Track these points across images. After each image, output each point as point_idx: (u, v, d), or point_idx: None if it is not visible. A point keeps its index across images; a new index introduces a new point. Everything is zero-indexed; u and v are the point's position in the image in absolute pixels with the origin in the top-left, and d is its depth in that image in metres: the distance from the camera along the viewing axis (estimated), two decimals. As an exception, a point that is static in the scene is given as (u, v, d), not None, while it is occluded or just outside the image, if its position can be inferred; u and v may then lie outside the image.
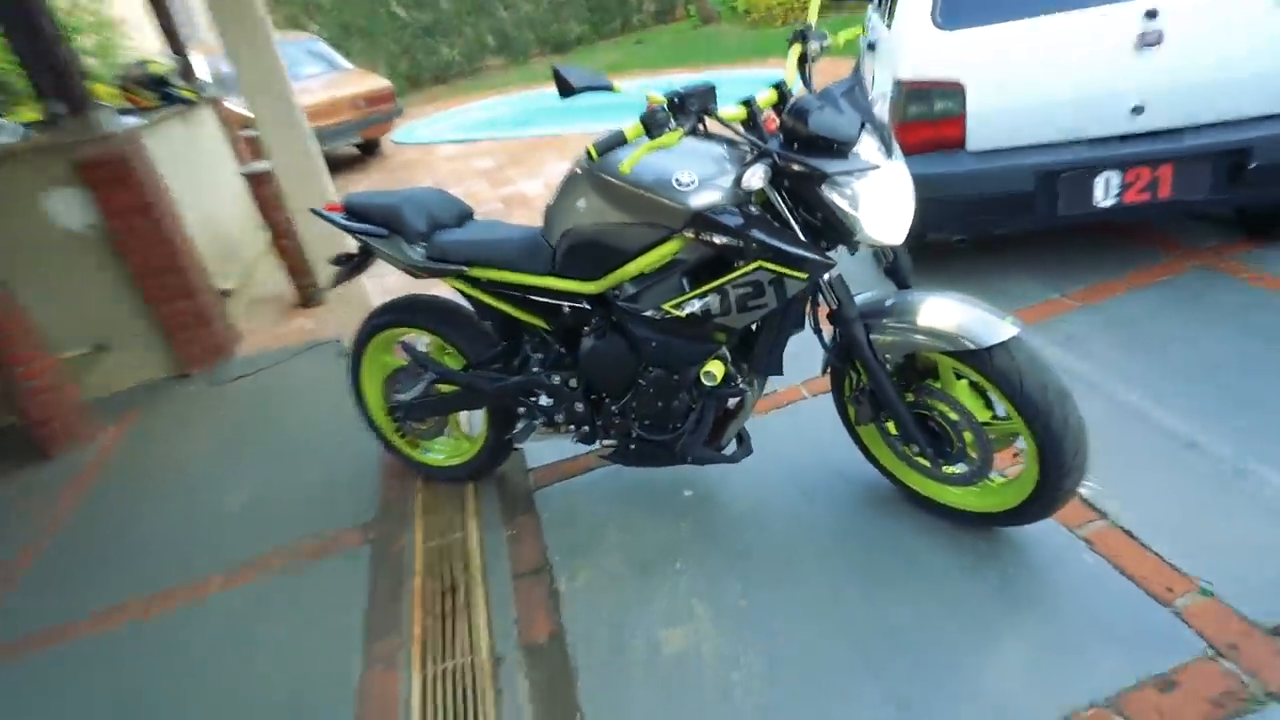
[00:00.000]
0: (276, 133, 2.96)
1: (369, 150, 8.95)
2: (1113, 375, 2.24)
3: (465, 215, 2.08)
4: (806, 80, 1.64)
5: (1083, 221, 2.60)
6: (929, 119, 2.50)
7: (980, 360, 1.47)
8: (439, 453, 2.38)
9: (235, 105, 6.38)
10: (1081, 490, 1.83)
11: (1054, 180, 2.47)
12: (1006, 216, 2.59)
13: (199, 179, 4.34)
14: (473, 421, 2.60)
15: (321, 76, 8.49)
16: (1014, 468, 1.83)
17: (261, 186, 3.97)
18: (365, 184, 7.85)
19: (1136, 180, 2.44)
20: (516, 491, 2.28)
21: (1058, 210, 2.51)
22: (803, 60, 1.64)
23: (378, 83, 8.28)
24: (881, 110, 2.90)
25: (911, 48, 2.51)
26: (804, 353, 1.88)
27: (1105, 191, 2.46)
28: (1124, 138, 2.43)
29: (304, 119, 3.01)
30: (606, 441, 1.97)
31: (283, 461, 2.70)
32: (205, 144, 4.72)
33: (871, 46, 3.15)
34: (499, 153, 7.78)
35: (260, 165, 4.02)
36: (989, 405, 1.64)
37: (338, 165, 8.84)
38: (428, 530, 2.18)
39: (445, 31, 14.92)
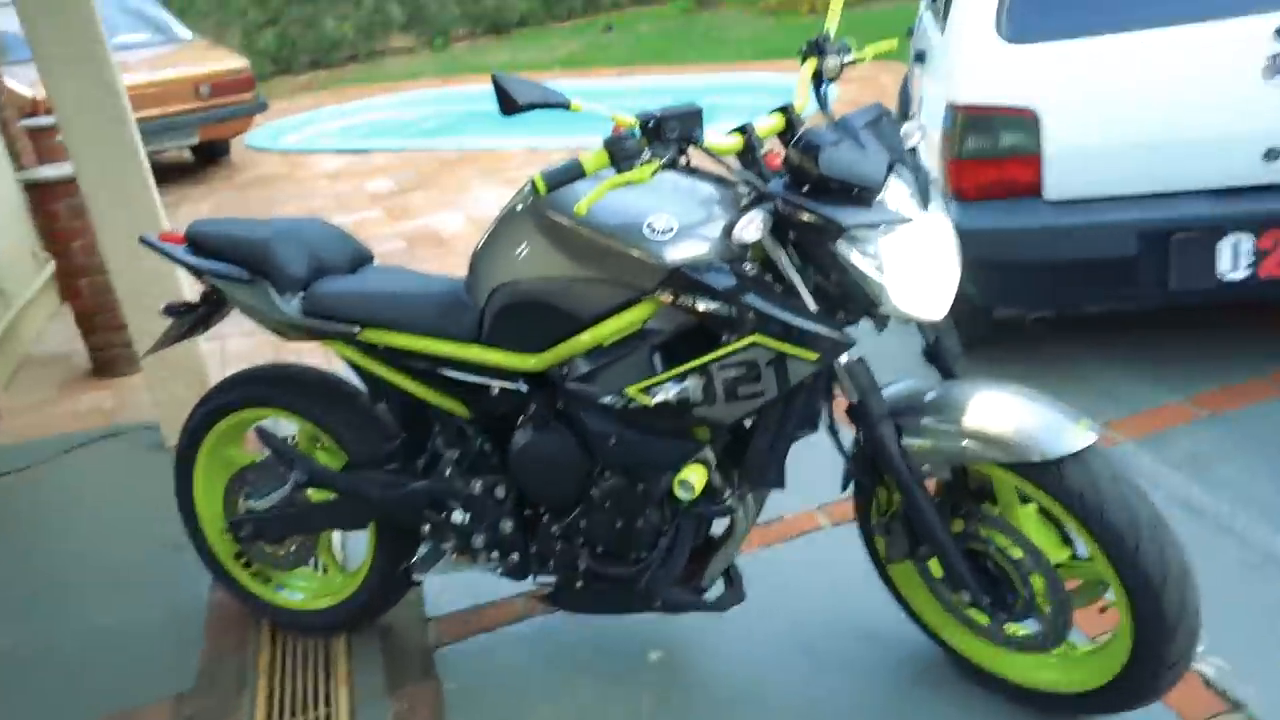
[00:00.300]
0: (86, 124, 3.19)
1: (211, 155, 9.33)
2: (1251, 511, 2.48)
3: (361, 258, 2.31)
4: (823, 104, 1.93)
5: (1205, 300, 2.93)
6: (993, 156, 2.85)
7: (1048, 476, 1.68)
8: (299, 589, 2.50)
9: (16, 81, 6.70)
10: (1203, 668, 2.02)
11: (1164, 243, 2.80)
12: (1100, 289, 2.91)
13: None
14: (348, 549, 2.74)
15: (147, 49, 8.96)
16: (1105, 634, 2.02)
17: (52, 201, 4.20)
18: (205, 207, 8.14)
19: (1276, 247, 2.78)
20: (408, 648, 2.39)
21: (1169, 283, 2.84)
22: (818, 79, 1.94)
23: (230, 62, 8.76)
24: (926, 145, 3.26)
25: (970, 64, 2.89)
26: (825, 463, 2.08)
27: (1234, 260, 2.80)
28: (1258, 189, 2.78)
29: (128, 107, 3.27)
30: (543, 578, 2.13)
31: (51, 603, 2.79)
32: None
33: (920, 57, 3.57)
34: (402, 170, 8.20)
35: (53, 170, 4.25)
36: (1067, 541, 1.86)
37: (163, 176, 9.12)
38: (274, 703, 2.27)
39: (332, -3, 15.71)
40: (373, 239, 6.18)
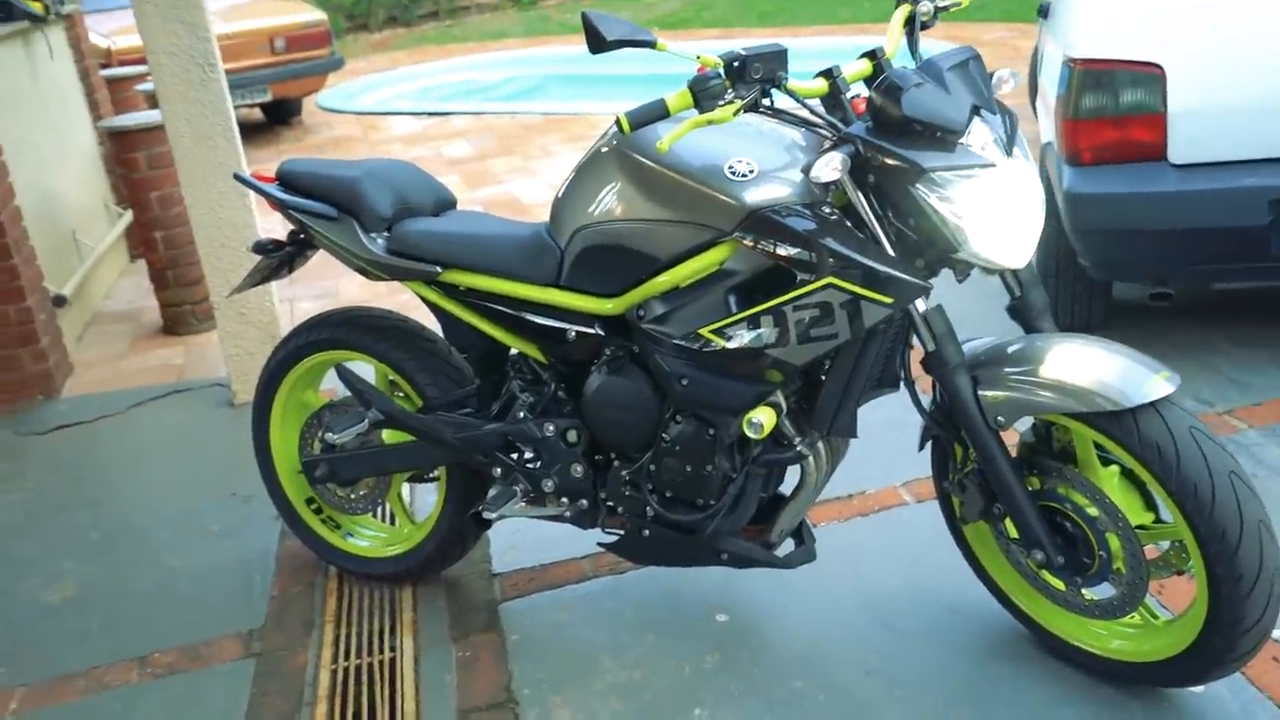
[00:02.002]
0: (175, 68, 3.59)
1: (283, 116, 9.90)
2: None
3: (445, 203, 2.60)
4: (914, 50, 2.14)
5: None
6: (1113, 115, 3.00)
7: (1123, 427, 1.86)
8: (367, 538, 2.82)
9: (93, 33, 7.27)
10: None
11: (1299, 212, 2.92)
12: (1228, 262, 3.03)
13: (35, 131, 5.03)
14: (416, 504, 3.05)
15: None
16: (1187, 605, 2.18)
17: (132, 150, 4.64)
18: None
19: None
20: (474, 601, 2.68)
21: (1305, 257, 2.95)
22: (910, 24, 2.15)
23: (306, 14, 9.30)
24: (1044, 106, 3.42)
25: (1089, 15, 3.05)
26: (909, 440, 2.28)
27: (1374, 234, 2.90)
28: None
29: (216, 53, 3.65)
30: (610, 529, 2.39)
31: (123, 546, 3.16)
32: (50, 82, 5.48)
33: (1044, 12, 3.72)
34: (482, 134, 8.60)
35: (135, 118, 4.70)
36: (1151, 506, 2.03)
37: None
38: (341, 645, 2.58)
39: (415, -53, 16.30)
40: (449, 204, 6.55)
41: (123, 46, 7.86)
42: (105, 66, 6.82)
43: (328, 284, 5.27)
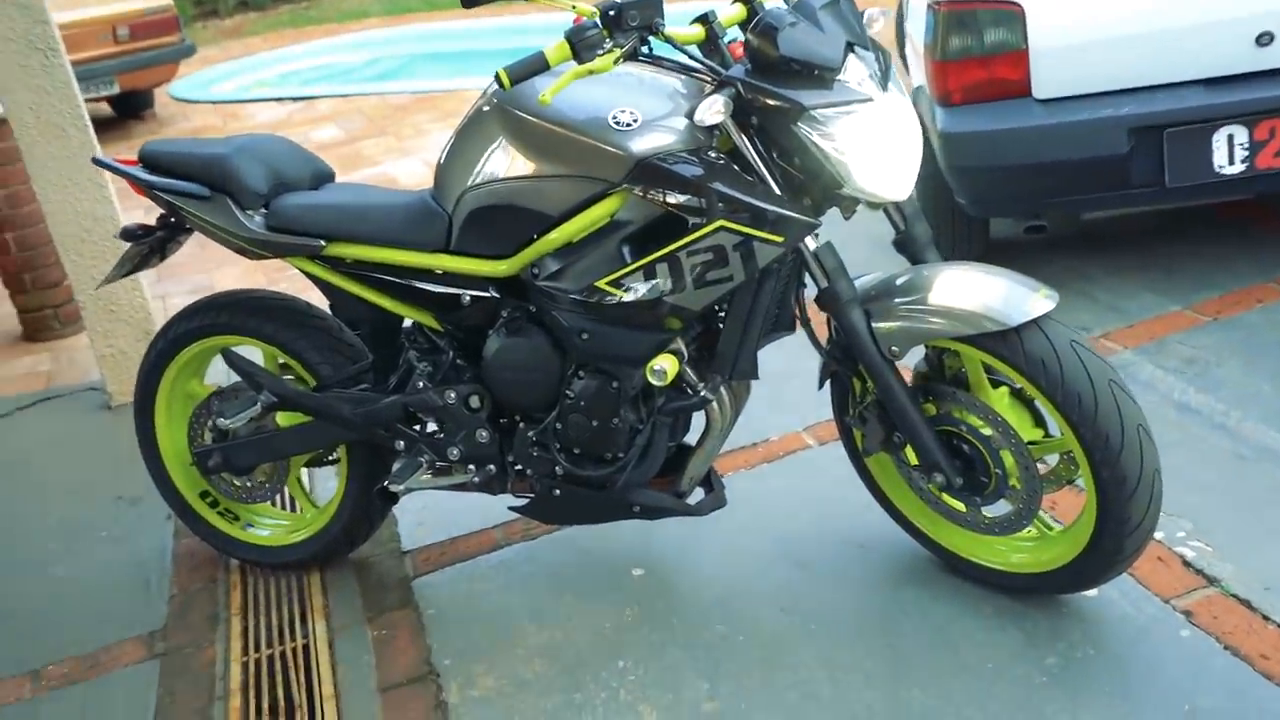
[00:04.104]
0: (12, 54, 3.43)
1: (133, 109, 9.54)
2: (1247, 410, 2.79)
3: (323, 175, 2.57)
4: (787, -8, 2.20)
5: (1204, 199, 3.23)
6: (978, 55, 3.13)
7: (1009, 346, 1.96)
8: (268, 527, 2.78)
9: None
10: (1183, 550, 2.32)
11: (1156, 139, 3.08)
12: (1094, 191, 3.20)
13: None
14: (317, 491, 3.02)
15: (57, -12, 9.15)
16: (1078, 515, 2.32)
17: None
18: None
19: (1272, 137, 3.07)
20: (386, 580, 2.68)
21: (1165, 181, 3.12)
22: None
23: (150, 0, 8.95)
24: (912, 52, 3.54)
25: (949, -42, 3.17)
26: (809, 386, 2.34)
27: (1229, 154, 3.09)
28: (1250, 77, 3.06)
29: (58, 36, 3.51)
30: (521, 493, 2.41)
31: (9, 555, 3.06)
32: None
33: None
34: (351, 117, 8.44)
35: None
36: (1039, 422, 2.15)
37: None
38: (250, 637, 2.55)
39: (265, -75, 15.83)
40: (321, 189, 6.42)
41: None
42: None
43: (200, 279, 5.14)
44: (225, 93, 10.35)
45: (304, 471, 2.82)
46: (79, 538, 3.09)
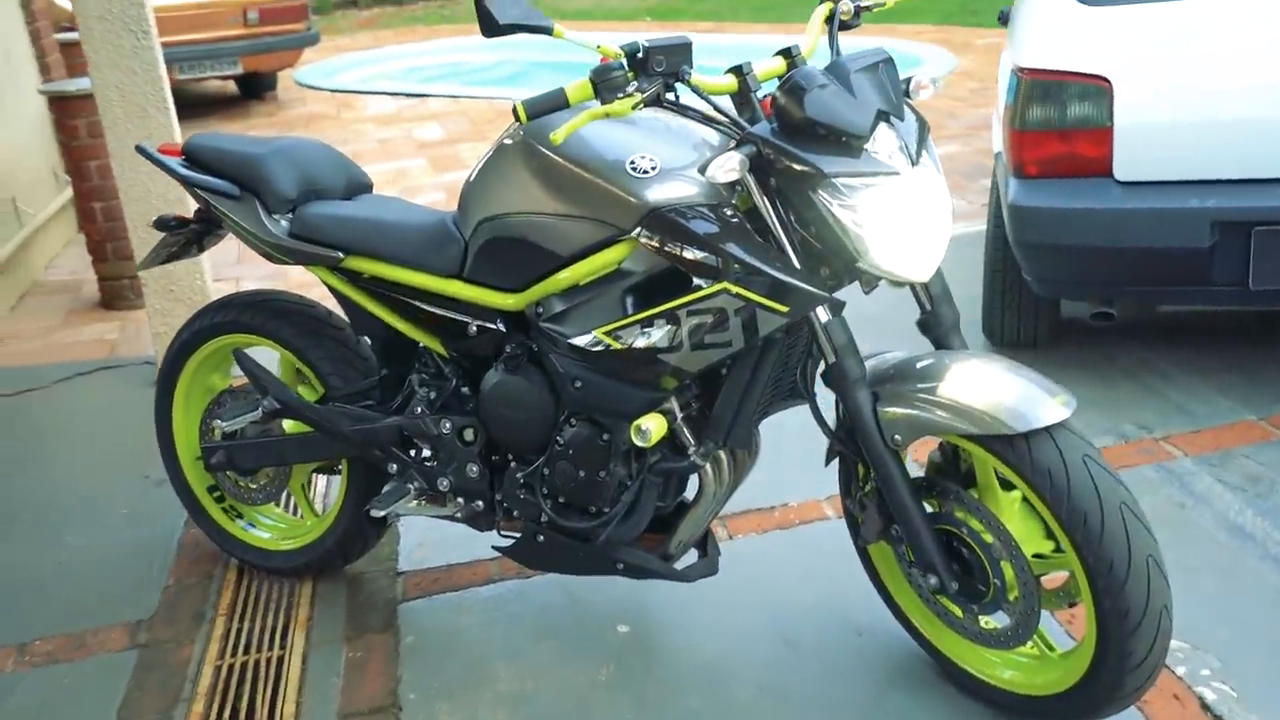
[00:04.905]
0: (106, 33, 3.52)
1: (256, 90, 9.83)
2: (1303, 539, 2.57)
3: (358, 186, 2.55)
4: (834, 50, 2.10)
5: (1291, 306, 3.01)
6: (1059, 128, 2.96)
7: (1016, 452, 1.82)
8: (266, 528, 2.77)
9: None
10: (1204, 691, 2.14)
11: (1243, 236, 2.89)
12: (1170, 284, 3.00)
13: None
14: (330, 497, 3.00)
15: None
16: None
17: (72, 117, 4.57)
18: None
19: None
20: (374, 600, 2.64)
21: (1249, 282, 2.92)
22: (831, 23, 2.11)
23: (283, -14, 9.22)
24: (996, 117, 3.38)
25: (1039, 25, 3.01)
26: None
27: (1323, 262, 2.87)
28: None
29: (151, 19, 3.59)
30: (507, 531, 2.34)
31: (27, 523, 3.12)
32: None
33: (1003, 19, 3.69)
34: (456, 118, 8.54)
35: (75, 84, 4.63)
36: (1052, 534, 2.00)
37: (201, 107, 9.73)
38: (228, 640, 2.53)
39: (408, -81, 16.20)
40: (413, 189, 6.52)
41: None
42: (69, 29, 6.73)
43: (275, 266, 5.20)
44: (346, 82, 10.59)
45: (320, 477, 2.80)
46: (100, 511, 3.14)
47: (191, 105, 9.55)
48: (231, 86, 10.04)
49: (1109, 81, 2.91)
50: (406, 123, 8.48)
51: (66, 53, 5.97)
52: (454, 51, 12.28)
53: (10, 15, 5.65)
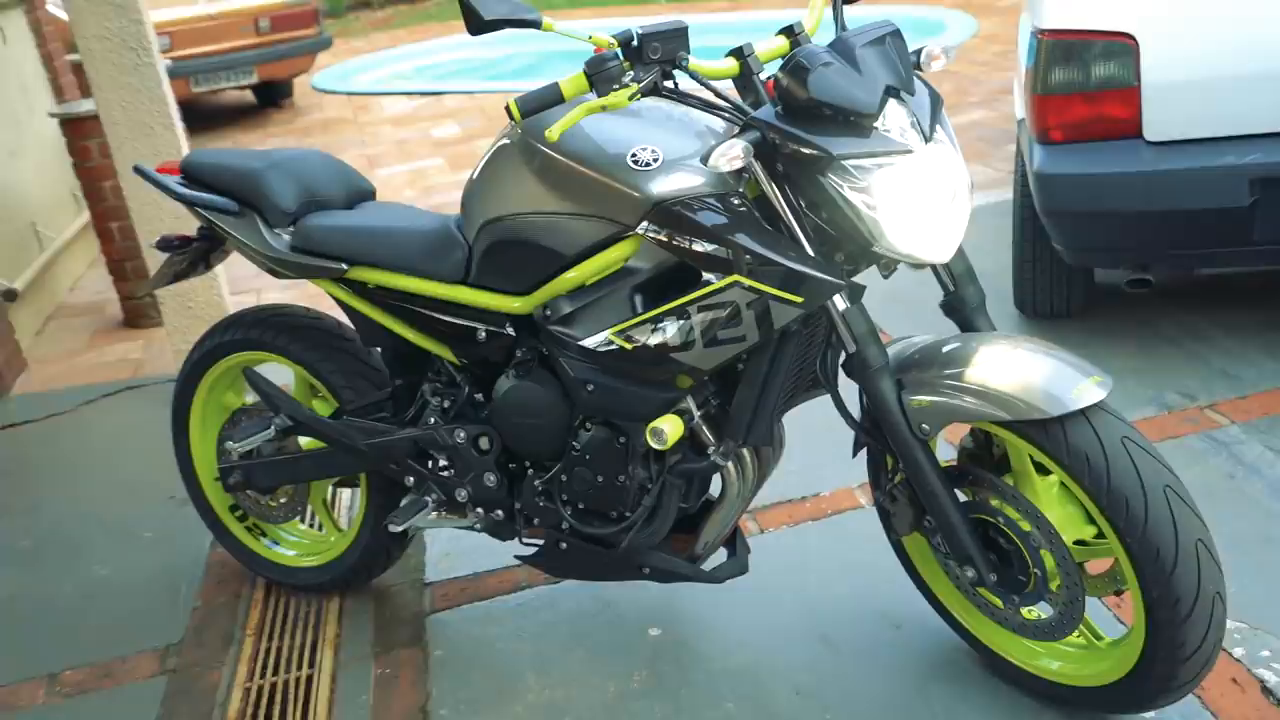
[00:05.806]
0: (106, 52, 3.50)
1: (273, 98, 9.83)
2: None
3: (360, 194, 2.49)
4: (840, 26, 2.01)
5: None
6: (1084, 90, 2.85)
7: (1051, 437, 1.74)
8: (290, 545, 2.73)
9: (60, 9, 7.17)
10: (1264, 673, 2.04)
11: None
12: (1208, 247, 2.88)
13: (-5, 118, 4.98)
14: (350, 506, 2.96)
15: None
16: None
17: (83, 138, 4.56)
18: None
19: None
20: (401, 614, 2.59)
21: (1289, 241, 2.80)
22: (835, -2, 2.02)
23: (292, -8, 9.20)
24: (1017, 81, 3.26)
25: (1057, -18, 2.90)
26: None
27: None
28: None
29: (151, 36, 3.55)
30: (529, 539, 2.28)
31: (54, 552, 3.09)
32: (7, 67, 5.39)
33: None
34: (472, 114, 8.48)
35: (83, 105, 4.61)
36: (1093, 520, 1.90)
37: (219, 119, 9.74)
38: (257, 661, 2.50)
39: (415, -83, 16.17)
40: (431, 189, 6.47)
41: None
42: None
43: (296, 275, 5.17)
44: (363, 85, 10.57)
45: (345, 491, 2.76)
46: (126, 536, 3.12)
47: (210, 117, 9.58)
48: (249, 96, 10.05)
49: (1133, 38, 2.78)
50: (423, 122, 8.44)
51: (79, 74, 5.97)
52: (467, 47, 12.22)
53: (22, 41, 5.65)
